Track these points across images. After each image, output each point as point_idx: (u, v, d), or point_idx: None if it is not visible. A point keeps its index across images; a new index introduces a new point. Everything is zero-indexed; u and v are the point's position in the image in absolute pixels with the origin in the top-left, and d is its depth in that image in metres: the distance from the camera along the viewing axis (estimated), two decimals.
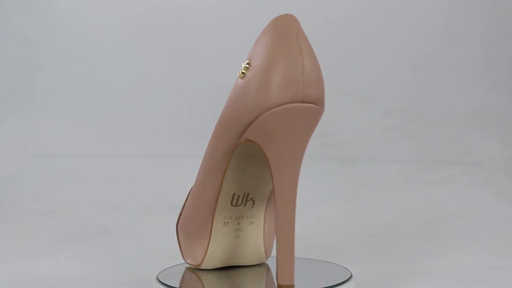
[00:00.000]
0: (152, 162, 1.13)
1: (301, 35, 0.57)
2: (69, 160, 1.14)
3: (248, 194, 0.64)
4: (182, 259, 0.68)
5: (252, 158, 0.61)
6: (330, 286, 0.61)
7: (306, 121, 0.56)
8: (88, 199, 1.04)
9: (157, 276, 0.64)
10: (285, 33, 0.57)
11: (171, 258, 0.71)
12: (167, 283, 0.62)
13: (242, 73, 0.58)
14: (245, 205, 0.64)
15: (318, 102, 0.56)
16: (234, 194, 0.64)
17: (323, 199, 1.02)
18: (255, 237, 0.64)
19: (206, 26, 1.24)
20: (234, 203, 0.64)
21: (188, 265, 0.68)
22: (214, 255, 0.65)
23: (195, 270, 0.66)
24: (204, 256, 0.65)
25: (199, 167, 0.64)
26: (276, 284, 0.57)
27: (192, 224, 0.65)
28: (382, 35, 1.26)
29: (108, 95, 1.21)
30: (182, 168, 1.05)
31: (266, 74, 0.56)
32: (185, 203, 0.66)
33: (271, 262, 0.67)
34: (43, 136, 1.17)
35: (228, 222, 0.64)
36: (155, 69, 1.22)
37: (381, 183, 1.09)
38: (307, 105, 0.56)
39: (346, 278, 0.62)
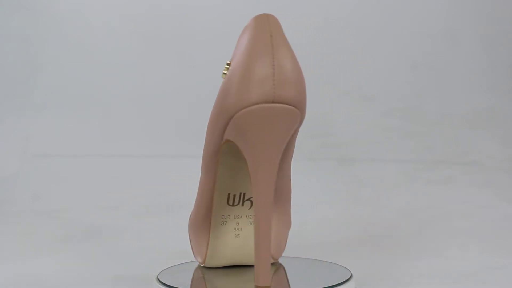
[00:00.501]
0: (152, 162, 1.13)
1: (276, 34, 0.56)
2: (69, 160, 1.14)
3: (244, 194, 0.64)
4: (183, 258, 0.68)
5: (243, 158, 0.61)
6: (330, 286, 0.61)
7: (280, 121, 0.55)
8: (88, 199, 1.04)
9: (157, 276, 0.64)
10: (259, 33, 0.57)
11: (171, 258, 0.71)
12: (167, 283, 0.62)
13: (223, 73, 0.58)
14: (242, 205, 0.64)
15: (291, 103, 0.55)
16: (229, 194, 0.64)
17: (323, 199, 1.02)
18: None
19: (206, 26, 1.24)
20: (230, 202, 0.64)
21: (188, 265, 0.68)
22: (215, 254, 0.65)
23: (199, 268, 0.66)
24: (206, 254, 0.65)
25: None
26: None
27: (195, 221, 0.65)
28: (382, 35, 1.26)
29: (108, 95, 1.21)
30: (182, 168, 1.05)
31: (240, 75, 0.56)
32: None
33: (287, 263, 0.68)
34: (43, 136, 1.17)
35: (226, 221, 0.64)
36: (155, 69, 1.22)
37: (381, 183, 1.09)
38: (279, 106, 0.55)
39: (346, 278, 0.62)
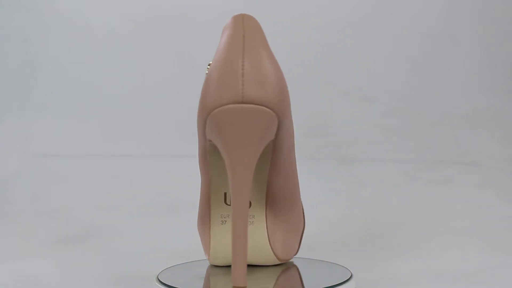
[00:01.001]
0: (152, 162, 1.13)
1: (249, 35, 0.56)
2: (69, 160, 1.14)
3: None
4: (183, 258, 0.68)
5: None
6: (330, 286, 0.61)
7: (250, 122, 0.55)
8: (88, 199, 1.03)
9: (157, 276, 0.64)
10: (233, 34, 0.57)
11: (171, 258, 0.71)
12: (167, 283, 0.62)
13: (206, 73, 0.59)
14: None
15: (262, 103, 0.55)
16: (225, 194, 0.64)
17: (323, 199, 1.02)
18: (257, 237, 0.64)
19: (206, 26, 1.24)
20: (228, 202, 0.64)
21: (188, 265, 0.68)
22: (217, 253, 0.65)
23: (199, 268, 0.66)
24: (209, 252, 0.65)
25: None
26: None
27: (199, 219, 0.66)
28: (382, 35, 1.26)
29: (108, 95, 1.21)
30: (182, 168, 1.05)
31: (214, 75, 0.56)
32: None
33: (287, 263, 0.67)
34: (43, 136, 1.17)
35: (225, 221, 0.64)
36: (155, 69, 1.22)
37: (381, 183, 1.09)
38: (248, 106, 0.55)
39: (346, 278, 0.62)
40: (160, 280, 0.63)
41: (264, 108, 0.55)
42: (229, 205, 0.64)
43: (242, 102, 0.55)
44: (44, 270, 0.74)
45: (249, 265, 0.66)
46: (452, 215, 0.96)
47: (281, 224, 0.65)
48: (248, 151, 0.55)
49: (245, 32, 0.56)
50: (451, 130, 1.19)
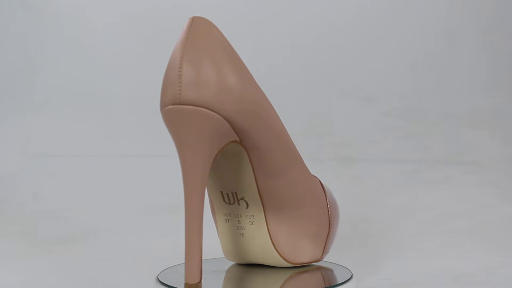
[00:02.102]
0: (152, 162, 1.13)
1: (192, 37, 0.57)
2: (69, 160, 1.14)
3: (235, 193, 0.64)
4: (183, 258, 0.68)
5: (219, 156, 0.61)
6: (330, 286, 0.61)
7: (189, 122, 0.56)
8: (88, 199, 1.04)
9: (157, 276, 0.64)
10: (181, 36, 0.58)
11: (171, 258, 0.71)
12: (167, 283, 0.62)
13: None
14: (238, 204, 0.64)
15: (198, 103, 0.55)
16: (222, 192, 0.64)
17: None
18: (259, 238, 0.64)
19: None
20: (226, 201, 0.64)
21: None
22: (227, 250, 0.66)
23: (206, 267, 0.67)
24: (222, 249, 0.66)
25: None
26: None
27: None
28: (382, 35, 1.26)
29: (108, 95, 1.21)
30: (170, 170, 1.05)
31: (163, 78, 0.58)
32: None
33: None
34: (43, 136, 1.17)
35: (229, 219, 0.65)
36: (155, 69, 1.22)
37: (381, 183, 1.09)
38: (185, 107, 0.56)
39: (346, 278, 0.62)
40: (160, 280, 0.63)
41: (201, 108, 0.56)
42: (229, 204, 0.64)
43: (180, 103, 0.56)
44: (43, 270, 0.74)
45: (260, 265, 0.66)
46: (452, 215, 0.96)
47: (284, 225, 0.65)
48: (192, 151, 0.56)
49: (189, 35, 0.57)
50: (451, 130, 1.19)
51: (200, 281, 0.57)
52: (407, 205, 1.01)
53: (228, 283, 0.64)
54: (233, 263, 0.68)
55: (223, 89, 0.56)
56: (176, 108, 0.56)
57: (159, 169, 1.12)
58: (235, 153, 0.60)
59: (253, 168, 0.61)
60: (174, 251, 0.77)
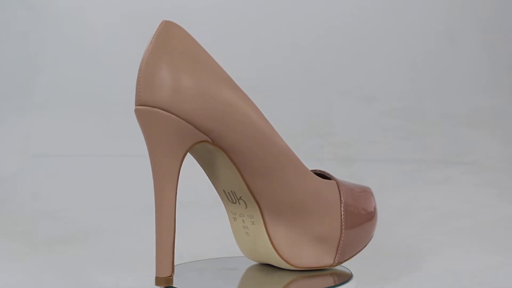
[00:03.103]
0: None
1: (155, 40, 0.59)
2: (69, 160, 1.14)
3: (234, 192, 0.64)
4: (183, 258, 0.68)
5: (208, 156, 0.62)
6: (330, 286, 0.61)
7: (147, 122, 0.58)
8: (88, 199, 1.04)
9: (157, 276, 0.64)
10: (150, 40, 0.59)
11: None
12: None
13: None
14: (239, 203, 0.64)
15: (154, 105, 0.57)
16: (224, 191, 0.64)
17: None
18: (260, 238, 0.64)
19: (206, 26, 1.24)
20: (230, 199, 0.64)
21: (188, 265, 0.68)
22: (240, 248, 0.66)
23: (199, 269, 0.66)
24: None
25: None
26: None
27: None
28: (382, 35, 1.26)
29: (108, 95, 1.21)
30: (182, 168, 1.05)
31: None
32: None
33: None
34: (43, 136, 1.17)
35: (236, 218, 0.65)
36: None
37: (381, 183, 1.09)
38: (142, 108, 0.58)
39: (346, 278, 0.62)
40: None
41: (155, 109, 0.57)
42: (232, 203, 0.64)
43: (140, 105, 0.58)
44: (43, 270, 0.74)
45: (267, 265, 0.66)
46: (452, 215, 0.96)
47: (283, 228, 0.64)
48: (157, 150, 0.59)
49: (153, 39, 0.59)
50: (451, 130, 1.19)
51: (171, 275, 0.58)
52: (407, 205, 1.01)
53: (229, 282, 0.64)
54: (195, 268, 0.68)
55: (178, 91, 0.57)
56: (137, 109, 0.58)
57: None
58: (219, 153, 0.61)
59: (237, 168, 0.61)
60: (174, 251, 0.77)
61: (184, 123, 0.58)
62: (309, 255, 0.65)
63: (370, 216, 0.67)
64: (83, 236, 0.89)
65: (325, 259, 0.66)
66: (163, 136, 0.58)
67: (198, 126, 0.58)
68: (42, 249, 0.83)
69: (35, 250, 0.83)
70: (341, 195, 0.66)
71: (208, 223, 0.91)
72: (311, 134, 1.16)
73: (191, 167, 0.67)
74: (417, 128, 1.19)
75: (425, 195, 1.04)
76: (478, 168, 1.13)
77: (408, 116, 1.20)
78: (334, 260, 0.66)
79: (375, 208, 0.68)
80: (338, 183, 0.67)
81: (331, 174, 0.68)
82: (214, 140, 0.59)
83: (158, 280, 0.58)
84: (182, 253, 0.72)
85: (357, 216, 0.67)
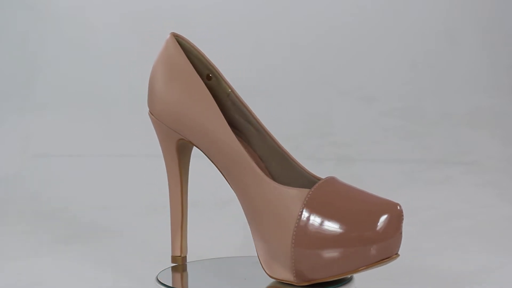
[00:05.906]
0: (152, 162, 1.13)
1: (160, 52, 0.69)
2: (69, 160, 1.14)
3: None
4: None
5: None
6: (330, 287, 0.61)
7: (156, 129, 0.68)
8: (88, 199, 1.03)
9: (157, 276, 0.64)
10: None
11: (171, 258, 0.71)
12: (167, 283, 0.62)
13: None
14: None
15: (151, 111, 0.67)
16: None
17: None
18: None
19: (206, 26, 1.24)
20: None
21: (188, 265, 0.68)
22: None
23: (199, 269, 0.66)
24: None
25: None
26: None
27: None
28: (382, 35, 1.26)
29: (108, 95, 1.21)
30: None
31: None
32: None
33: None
34: (43, 136, 1.17)
35: None
36: None
37: (381, 183, 1.09)
38: (149, 113, 0.68)
39: (346, 279, 0.62)
40: (160, 280, 0.63)
41: (152, 116, 0.67)
42: None
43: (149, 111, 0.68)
44: (44, 269, 0.74)
45: (242, 266, 0.66)
46: (452, 215, 0.96)
47: (257, 236, 0.62)
48: (166, 153, 0.69)
49: (160, 51, 0.69)
50: (451, 130, 1.19)
51: (182, 255, 0.68)
52: (407, 205, 1.01)
53: (232, 282, 0.64)
54: (195, 268, 0.68)
55: (157, 98, 0.66)
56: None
57: (159, 169, 1.12)
58: None
59: (215, 165, 0.65)
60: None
61: (162, 124, 0.66)
62: (276, 268, 0.61)
63: (351, 243, 0.58)
64: (83, 236, 0.89)
65: (287, 275, 0.60)
66: (159, 135, 0.68)
67: (168, 126, 0.66)
68: (42, 249, 0.83)
69: (35, 250, 0.83)
70: (305, 207, 0.60)
71: (212, 224, 0.91)
72: (311, 134, 1.16)
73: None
74: (417, 128, 1.19)
75: (425, 195, 1.04)
76: (478, 168, 1.13)
77: (408, 116, 1.20)
78: (294, 278, 0.60)
79: (378, 235, 0.58)
80: (309, 195, 0.60)
81: (339, 180, 0.67)
82: (185, 138, 0.66)
83: (173, 259, 0.68)
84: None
85: (320, 236, 0.58)
